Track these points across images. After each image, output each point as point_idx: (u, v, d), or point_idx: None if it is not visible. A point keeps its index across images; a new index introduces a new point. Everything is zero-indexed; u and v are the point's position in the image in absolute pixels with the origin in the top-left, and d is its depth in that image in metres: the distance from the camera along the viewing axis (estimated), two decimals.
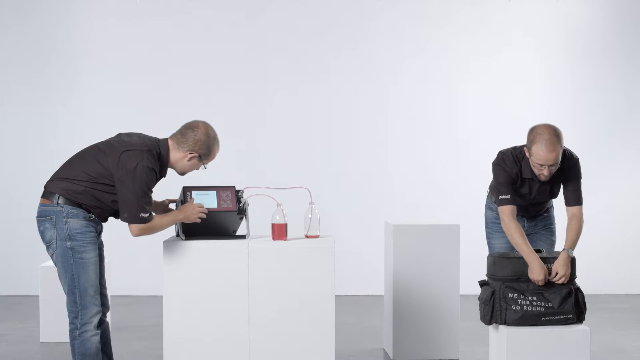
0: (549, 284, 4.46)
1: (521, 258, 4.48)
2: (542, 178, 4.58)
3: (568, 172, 4.67)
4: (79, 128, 8.17)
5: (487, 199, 5.09)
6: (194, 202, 4.41)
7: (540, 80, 8.45)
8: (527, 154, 4.57)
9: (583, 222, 4.67)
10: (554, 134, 4.45)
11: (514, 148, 4.74)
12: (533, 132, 4.52)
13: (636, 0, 8.43)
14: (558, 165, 4.52)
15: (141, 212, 4.19)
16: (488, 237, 5.06)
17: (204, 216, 4.41)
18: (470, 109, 8.41)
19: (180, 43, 8.28)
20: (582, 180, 4.74)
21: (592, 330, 4.54)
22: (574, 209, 4.67)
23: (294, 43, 8.33)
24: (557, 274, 4.45)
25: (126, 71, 8.26)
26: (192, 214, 4.39)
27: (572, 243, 4.59)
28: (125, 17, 8.26)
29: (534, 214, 4.91)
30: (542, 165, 4.49)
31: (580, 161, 4.72)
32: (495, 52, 8.38)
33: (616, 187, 8.43)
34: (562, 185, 4.73)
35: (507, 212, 4.60)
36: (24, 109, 8.25)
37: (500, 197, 4.64)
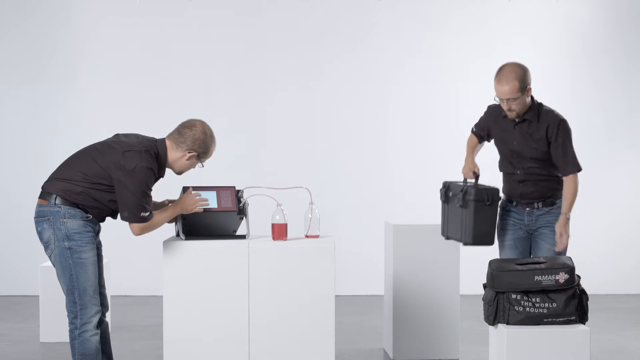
0: (553, 287, 4.42)
1: (522, 271, 4.36)
2: (509, 115, 4.66)
3: (551, 131, 4.64)
4: (79, 128, 8.16)
5: None
6: (192, 193, 4.43)
7: (540, 80, 8.41)
8: None
9: (577, 185, 4.66)
10: (512, 68, 4.56)
11: None
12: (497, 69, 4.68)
13: (636, 0, 8.43)
14: (517, 101, 4.57)
15: (142, 211, 4.21)
16: None
17: (206, 204, 4.42)
18: (471, 109, 8.38)
19: (180, 43, 8.28)
20: (583, 179, 4.72)
21: (592, 330, 4.53)
22: (567, 178, 4.67)
23: (294, 43, 8.32)
24: (561, 235, 4.62)
25: (126, 71, 8.26)
26: (189, 205, 4.41)
27: (568, 205, 4.65)
28: (125, 17, 8.25)
29: (524, 178, 4.76)
30: (501, 99, 4.61)
31: (577, 149, 4.69)
32: (495, 52, 8.37)
33: (616, 186, 8.42)
34: (550, 151, 4.68)
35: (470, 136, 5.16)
36: (24, 109, 8.25)
37: (473, 128, 5.12)
